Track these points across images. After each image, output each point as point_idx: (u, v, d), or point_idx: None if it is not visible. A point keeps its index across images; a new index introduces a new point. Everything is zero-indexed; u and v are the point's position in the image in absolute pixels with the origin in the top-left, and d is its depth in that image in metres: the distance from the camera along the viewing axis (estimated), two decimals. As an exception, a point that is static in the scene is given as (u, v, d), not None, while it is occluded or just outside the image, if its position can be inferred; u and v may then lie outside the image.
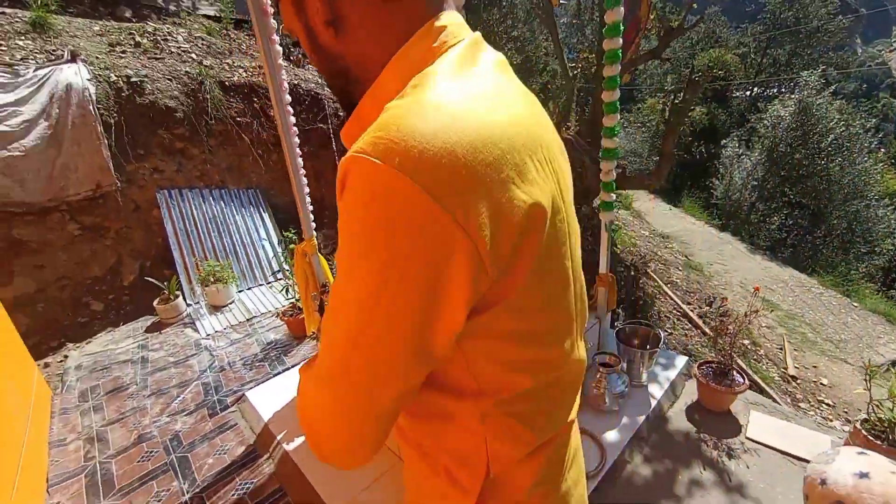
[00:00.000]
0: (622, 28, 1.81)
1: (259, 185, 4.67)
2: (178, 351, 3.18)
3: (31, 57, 3.65)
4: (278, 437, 2.25)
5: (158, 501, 1.97)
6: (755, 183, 11.37)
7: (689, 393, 2.36)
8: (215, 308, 3.80)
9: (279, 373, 2.81)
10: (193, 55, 4.57)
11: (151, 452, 2.25)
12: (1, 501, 1.77)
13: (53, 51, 3.77)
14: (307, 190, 2.32)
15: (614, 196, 2.17)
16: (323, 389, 0.48)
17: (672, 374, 2.44)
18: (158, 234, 4.04)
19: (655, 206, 11.64)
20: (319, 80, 5.29)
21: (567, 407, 0.64)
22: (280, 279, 4.21)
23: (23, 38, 3.84)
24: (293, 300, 3.34)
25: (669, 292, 4.49)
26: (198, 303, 3.86)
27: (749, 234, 10.83)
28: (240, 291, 4.06)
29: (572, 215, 0.59)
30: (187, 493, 2.00)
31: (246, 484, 2.01)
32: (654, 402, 2.25)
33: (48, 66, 3.53)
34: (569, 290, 0.57)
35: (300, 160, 2.19)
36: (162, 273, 3.92)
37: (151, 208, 3.99)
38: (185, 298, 3.81)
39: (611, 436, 2.07)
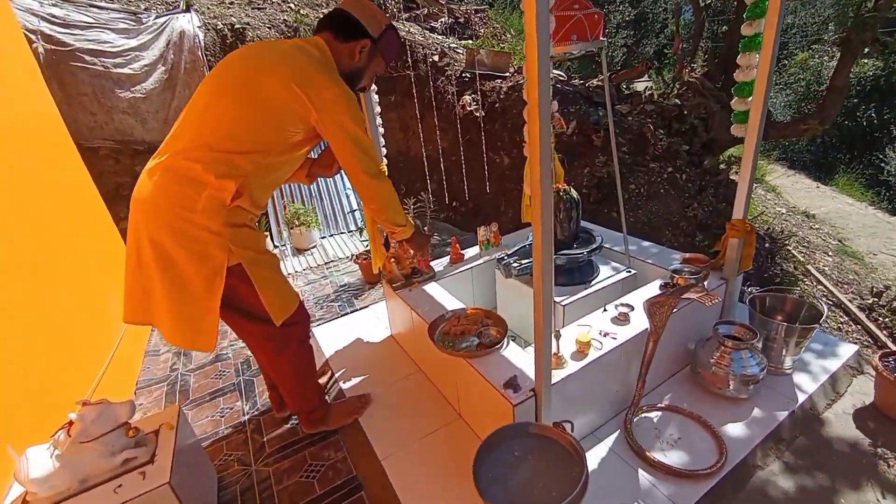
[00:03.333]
0: None
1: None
2: (261, 285, 3.28)
3: (153, 7, 3.95)
4: (336, 375, 2.14)
5: (221, 416, 1.98)
6: (951, 156, 8.76)
7: (861, 393, 1.72)
8: (299, 251, 3.89)
9: (346, 314, 2.73)
10: (292, 5, 4.63)
11: (223, 372, 2.31)
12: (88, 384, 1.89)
13: (172, 1, 4.04)
14: (379, 120, 2.12)
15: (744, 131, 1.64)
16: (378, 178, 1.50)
17: (833, 364, 1.81)
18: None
19: (795, 183, 9.68)
20: (411, 31, 5.08)
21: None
22: (362, 228, 4.19)
23: (149, -9, 4.18)
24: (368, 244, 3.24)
25: (819, 276, 3.54)
26: (284, 245, 3.99)
27: (935, 221, 8.45)
28: (322, 237, 4.12)
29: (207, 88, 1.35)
30: (247, 413, 1.98)
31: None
32: (802, 397, 1.68)
33: (166, 15, 3.78)
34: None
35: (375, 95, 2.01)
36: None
37: (249, 153, 4.18)
38: (272, 239, 3.96)
39: (734, 429, 1.57)
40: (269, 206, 4.06)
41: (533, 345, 1.49)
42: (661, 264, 2.05)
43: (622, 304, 1.71)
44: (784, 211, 6.77)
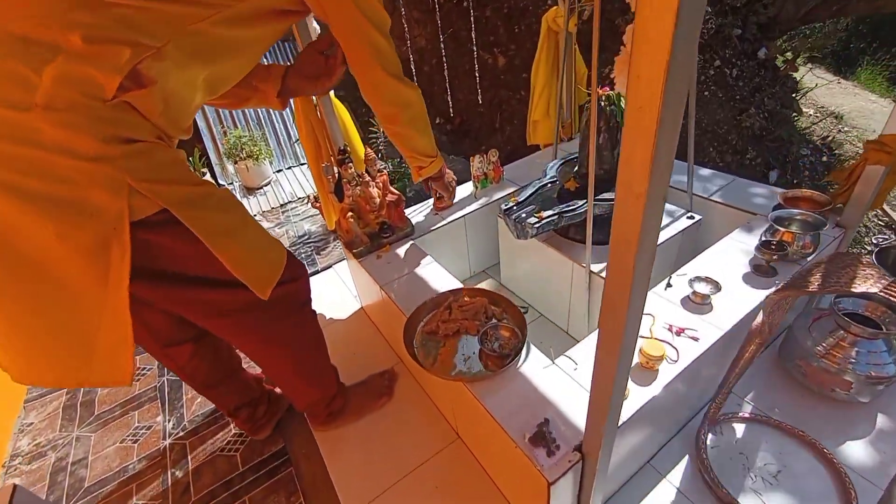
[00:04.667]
0: None
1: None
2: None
3: None
4: (290, 372, 1.60)
5: (134, 441, 1.46)
6: None
7: None
8: (249, 190, 3.15)
9: (305, 277, 2.12)
10: None
11: (143, 370, 1.75)
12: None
13: None
14: None
15: None
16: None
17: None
18: (182, 99, 3.32)
19: (817, 77, 8.74)
20: None
21: None
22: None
23: None
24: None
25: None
26: (231, 183, 3.24)
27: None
28: (277, 171, 3.35)
29: None
30: (169, 435, 1.46)
31: (240, 439, 1.41)
32: (948, 397, 1.18)
33: None
34: None
35: None
36: (193, 145, 3.29)
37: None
38: (215, 178, 3.20)
39: (856, 452, 1.08)
40: (205, 133, 3.21)
41: (566, 355, 0.93)
42: (738, 204, 1.43)
43: (699, 279, 1.12)
44: (811, 112, 6.01)
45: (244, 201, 3.02)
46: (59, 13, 0.61)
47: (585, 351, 1.03)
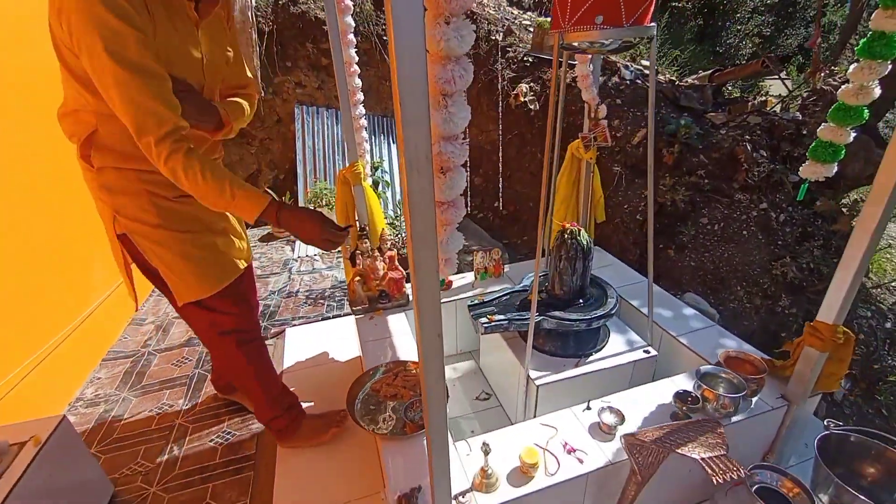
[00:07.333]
0: None
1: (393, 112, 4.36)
2: (267, 265, 3.19)
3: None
4: (282, 393, 1.91)
5: (158, 412, 1.86)
6: None
7: None
8: (320, 232, 3.73)
9: (328, 318, 2.49)
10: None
11: (186, 360, 2.20)
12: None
13: (236, -41, 3.95)
14: (358, 82, 1.78)
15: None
16: None
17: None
18: (293, 149, 4.14)
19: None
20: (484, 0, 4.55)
21: None
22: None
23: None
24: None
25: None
26: (309, 223, 3.86)
27: None
28: (347, 221, 3.92)
29: None
30: (180, 416, 1.84)
31: (227, 434, 1.74)
32: None
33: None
34: None
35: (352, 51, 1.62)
36: (292, 187, 4.04)
37: (291, 122, 4.07)
38: (298, 216, 3.85)
39: None
40: (301, 181, 3.93)
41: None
42: (700, 351, 1.49)
43: (611, 409, 1.22)
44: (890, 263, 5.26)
45: (313, 241, 3.59)
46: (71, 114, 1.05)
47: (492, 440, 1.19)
